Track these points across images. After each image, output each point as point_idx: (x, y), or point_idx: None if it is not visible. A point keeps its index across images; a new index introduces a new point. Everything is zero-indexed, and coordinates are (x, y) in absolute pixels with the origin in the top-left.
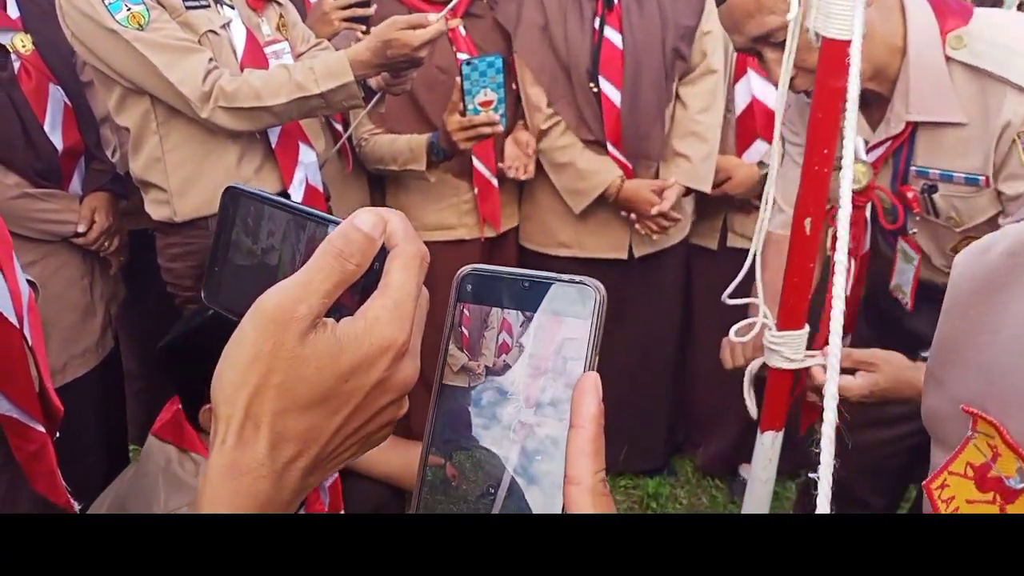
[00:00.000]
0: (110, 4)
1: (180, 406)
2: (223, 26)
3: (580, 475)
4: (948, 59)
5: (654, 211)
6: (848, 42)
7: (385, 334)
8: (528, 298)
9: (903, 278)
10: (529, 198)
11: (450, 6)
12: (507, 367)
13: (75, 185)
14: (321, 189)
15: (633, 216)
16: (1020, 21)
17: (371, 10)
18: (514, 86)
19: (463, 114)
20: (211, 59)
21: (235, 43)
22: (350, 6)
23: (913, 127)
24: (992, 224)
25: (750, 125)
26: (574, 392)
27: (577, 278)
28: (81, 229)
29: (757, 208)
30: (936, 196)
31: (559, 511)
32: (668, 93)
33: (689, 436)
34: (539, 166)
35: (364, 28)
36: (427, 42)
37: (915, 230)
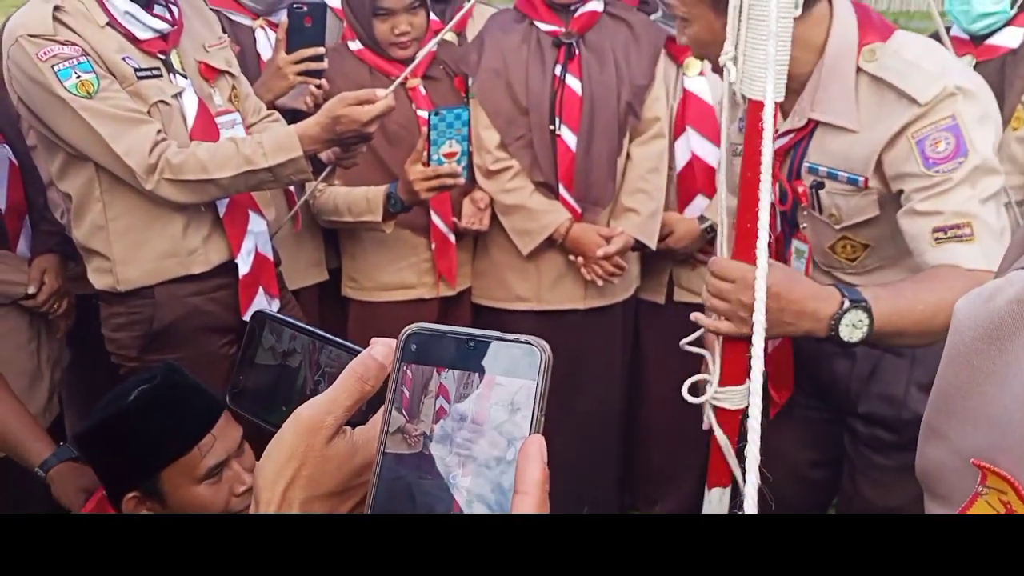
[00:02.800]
0: (59, 71)
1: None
2: (175, 95)
3: None
4: (859, 70)
5: (599, 252)
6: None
7: None
8: (473, 358)
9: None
10: (484, 255)
11: (410, 68)
12: (444, 433)
13: (22, 247)
14: (271, 257)
15: (580, 260)
16: (933, 46)
17: (324, 64)
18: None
19: (426, 164)
20: (159, 131)
21: (186, 112)
22: (304, 60)
23: (814, 126)
24: (867, 225)
25: (690, 182)
26: (518, 457)
27: (523, 338)
28: (31, 291)
29: (702, 263)
30: (822, 193)
31: None
32: (620, 145)
33: (644, 493)
34: (494, 221)
35: (318, 82)
36: (376, 118)
37: (805, 225)
